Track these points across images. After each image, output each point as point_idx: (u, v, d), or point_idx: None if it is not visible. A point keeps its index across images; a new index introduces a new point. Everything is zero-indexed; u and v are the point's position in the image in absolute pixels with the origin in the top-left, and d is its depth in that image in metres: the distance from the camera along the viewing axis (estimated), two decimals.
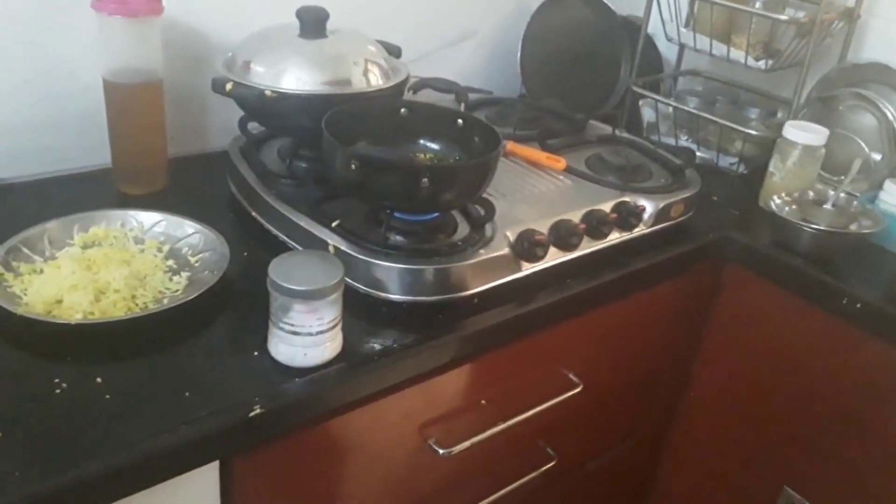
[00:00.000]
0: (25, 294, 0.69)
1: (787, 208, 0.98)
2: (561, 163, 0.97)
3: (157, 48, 0.88)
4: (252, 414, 0.59)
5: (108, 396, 0.59)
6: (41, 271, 0.72)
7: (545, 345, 0.85)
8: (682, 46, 1.28)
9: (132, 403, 0.59)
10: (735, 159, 1.18)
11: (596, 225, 0.86)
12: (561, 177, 0.96)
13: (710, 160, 1.19)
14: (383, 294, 0.75)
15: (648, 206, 0.91)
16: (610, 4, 1.27)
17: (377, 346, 0.70)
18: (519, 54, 1.29)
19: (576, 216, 0.86)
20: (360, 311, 0.73)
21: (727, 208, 1.07)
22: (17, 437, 0.55)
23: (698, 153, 1.15)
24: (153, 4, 0.84)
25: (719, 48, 1.18)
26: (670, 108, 1.22)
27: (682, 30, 1.23)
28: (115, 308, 0.68)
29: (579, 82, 1.30)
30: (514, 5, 1.29)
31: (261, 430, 0.61)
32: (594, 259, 0.86)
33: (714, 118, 1.16)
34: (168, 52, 0.90)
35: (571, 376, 0.88)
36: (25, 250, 0.74)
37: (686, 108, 1.21)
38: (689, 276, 0.99)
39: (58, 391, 0.59)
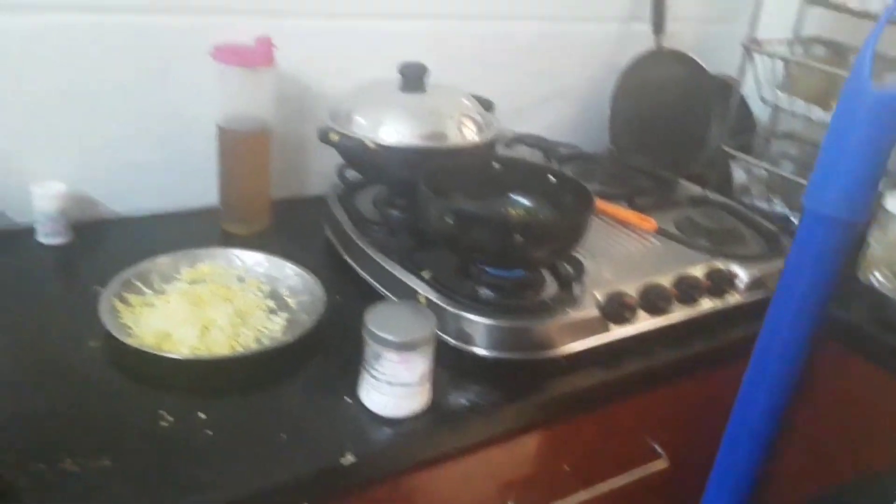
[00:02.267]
0: (136, 326, 0.73)
1: (890, 284, 0.94)
2: (651, 223, 0.97)
3: (269, 97, 0.93)
4: (343, 461, 0.61)
5: (209, 432, 0.62)
6: (152, 304, 0.76)
7: (631, 412, 0.83)
8: (776, 108, 1.26)
9: (232, 441, 0.62)
10: None
11: (687, 290, 0.85)
12: (650, 237, 0.96)
13: None
14: (471, 348, 0.75)
15: (742, 274, 0.90)
16: (702, 63, 1.26)
17: (464, 402, 0.70)
18: (608, 109, 1.30)
19: (666, 280, 0.85)
20: (447, 362, 0.74)
21: None
22: (125, 466, 0.58)
23: (793, 220, 1.13)
24: (267, 57, 0.89)
25: (817, 112, 1.16)
26: (763, 171, 1.20)
27: (778, 92, 1.21)
28: (219, 345, 0.71)
29: (668, 140, 1.29)
30: (605, 60, 1.31)
31: (351, 477, 0.62)
32: (685, 326, 0.84)
33: None
34: (276, 99, 0.95)
35: (656, 447, 0.86)
36: (137, 283, 0.79)
37: (780, 171, 1.18)
38: None
39: (163, 423, 0.62)
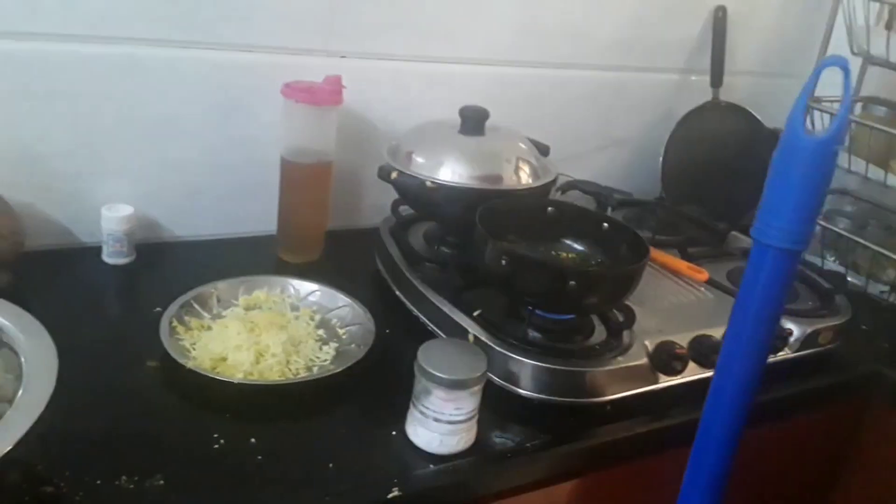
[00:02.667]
0: (194, 348, 0.75)
1: None
2: (703, 274, 0.96)
3: (333, 133, 0.96)
4: (390, 496, 0.61)
5: (260, 457, 0.63)
6: (209, 328, 0.78)
7: (676, 465, 0.81)
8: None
9: (281, 467, 0.63)
10: (887, 287, 1.12)
11: None
12: (702, 288, 0.95)
13: (860, 285, 1.14)
14: (517, 389, 0.75)
15: (795, 330, 0.88)
16: (759, 116, 1.26)
17: (509, 443, 0.70)
18: (661, 158, 1.31)
19: (717, 332, 0.84)
20: (493, 402, 0.74)
21: (877, 340, 1.01)
22: (178, 486, 0.59)
23: (848, 277, 1.11)
24: (335, 96, 0.93)
25: (876, 172, 1.14)
26: (818, 227, 1.19)
27: None
28: (272, 371, 0.73)
29: (722, 191, 1.29)
30: (662, 110, 1.32)
31: None
32: None
33: (866, 243, 1.12)
34: (338, 134, 0.98)
35: None
36: (196, 306, 0.81)
37: (835, 228, 1.17)
38: (832, 411, 0.94)
39: (216, 446, 0.64)
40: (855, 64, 1.22)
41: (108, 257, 0.91)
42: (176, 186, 0.97)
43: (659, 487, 0.83)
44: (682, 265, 0.98)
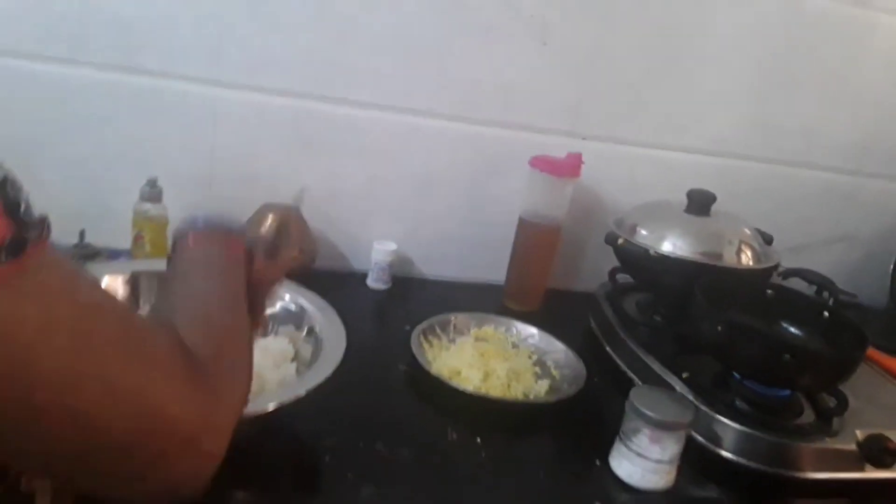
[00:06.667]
0: (434, 361, 0.89)
1: None
2: None
3: (566, 202, 1.09)
4: None
5: (483, 454, 0.75)
6: (448, 348, 0.93)
7: None
8: None
9: (500, 466, 0.74)
10: None
11: None
12: None
13: None
14: (718, 449, 0.79)
15: None
16: None
17: (704, 496, 0.75)
18: (892, 266, 1.27)
19: None
20: (692, 457, 0.78)
21: None
22: (421, 459, 0.72)
23: None
24: (574, 170, 1.06)
25: None
26: None
27: None
28: (496, 391, 0.84)
29: None
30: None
31: None
32: None
33: None
34: (570, 204, 1.11)
35: None
36: (438, 329, 0.96)
37: None
38: None
39: (449, 438, 0.77)
40: None
41: (371, 282, 1.11)
42: (431, 232, 1.16)
43: None
44: None
